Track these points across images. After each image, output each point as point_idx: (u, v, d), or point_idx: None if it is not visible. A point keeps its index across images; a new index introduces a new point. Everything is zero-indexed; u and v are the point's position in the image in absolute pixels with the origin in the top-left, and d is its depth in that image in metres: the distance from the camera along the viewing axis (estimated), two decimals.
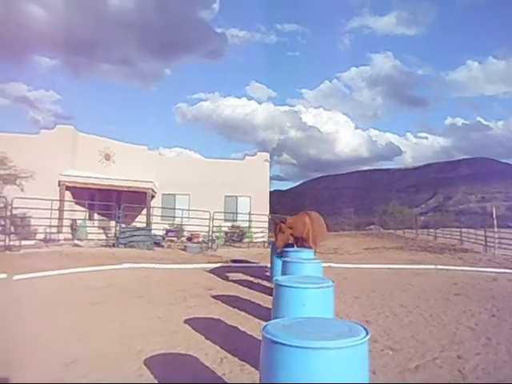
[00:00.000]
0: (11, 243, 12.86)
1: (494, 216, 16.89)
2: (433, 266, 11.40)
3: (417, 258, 13.92)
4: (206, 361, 4.05)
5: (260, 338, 4.77)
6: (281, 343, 1.99)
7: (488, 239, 16.67)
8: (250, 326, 5.39)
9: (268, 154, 25.49)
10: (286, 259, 6.51)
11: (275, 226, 8.14)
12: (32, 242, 14.22)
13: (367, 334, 2.08)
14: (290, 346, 1.96)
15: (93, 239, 16.13)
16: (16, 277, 8.20)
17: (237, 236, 21.71)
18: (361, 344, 1.99)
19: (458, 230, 22.71)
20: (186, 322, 5.48)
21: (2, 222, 14.17)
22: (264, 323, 5.37)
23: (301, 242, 8.35)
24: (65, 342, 4.55)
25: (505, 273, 10.50)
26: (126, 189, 19.28)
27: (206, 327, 5.22)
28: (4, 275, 8.24)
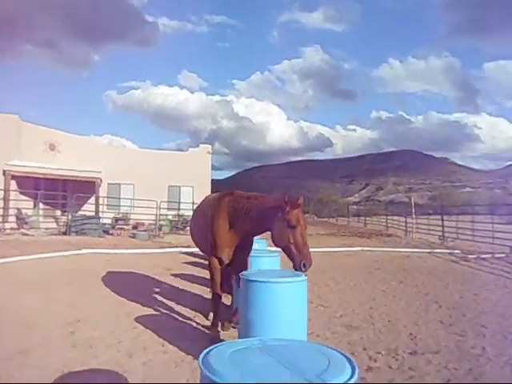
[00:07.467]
0: None
1: (413, 205, 19.32)
2: (360, 248, 13.17)
3: (347, 242, 15.70)
4: (180, 317, 5.20)
5: None
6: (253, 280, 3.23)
7: (408, 225, 19.01)
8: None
9: (210, 146, 26.45)
10: None
11: None
12: None
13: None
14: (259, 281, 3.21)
15: (40, 228, 16.40)
16: None
17: (181, 224, 22.66)
18: (302, 281, 3.28)
19: (385, 217, 25.17)
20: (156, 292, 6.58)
21: None
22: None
23: None
24: (65, 308, 5.47)
25: (416, 252, 12.55)
26: (74, 178, 19.52)
27: (176, 294, 6.34)
28: None
